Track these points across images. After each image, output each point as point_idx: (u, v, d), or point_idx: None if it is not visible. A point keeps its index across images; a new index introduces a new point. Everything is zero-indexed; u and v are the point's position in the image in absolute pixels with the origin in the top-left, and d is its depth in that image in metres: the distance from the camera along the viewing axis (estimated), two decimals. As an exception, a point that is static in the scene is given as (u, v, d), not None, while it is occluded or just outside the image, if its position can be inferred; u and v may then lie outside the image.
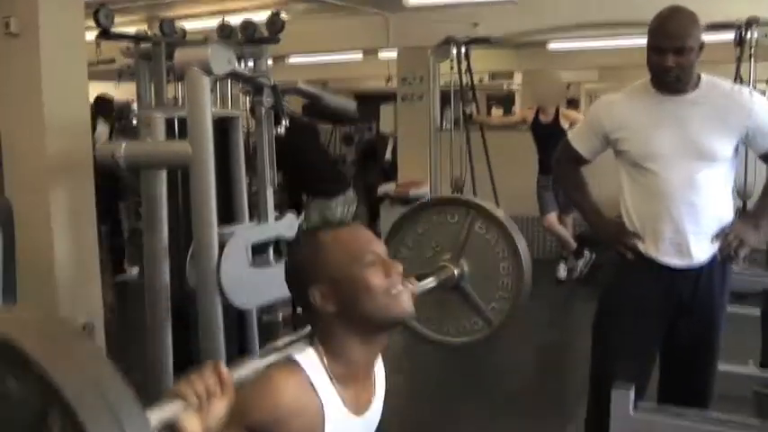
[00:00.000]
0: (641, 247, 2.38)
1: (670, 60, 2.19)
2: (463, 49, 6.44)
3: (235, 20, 3.84)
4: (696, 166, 2.27)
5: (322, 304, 1.37)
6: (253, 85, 3.00)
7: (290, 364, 1.37)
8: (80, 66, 3.66)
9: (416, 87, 7.54)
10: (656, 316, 2.38)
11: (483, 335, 2.13)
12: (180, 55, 2.69)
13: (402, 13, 7.49)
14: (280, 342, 1.51)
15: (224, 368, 1.20)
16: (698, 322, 2.37)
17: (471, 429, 3.42)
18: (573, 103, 10.34)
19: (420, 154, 7.02)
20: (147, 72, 3.60)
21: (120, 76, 6.69)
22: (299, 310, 1.52)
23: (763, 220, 2.41)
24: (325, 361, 1.39)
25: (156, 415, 1.08)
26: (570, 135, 2.57)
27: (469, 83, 6.64)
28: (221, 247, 2.75)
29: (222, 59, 2.59)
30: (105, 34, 4.10)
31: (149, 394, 3.08)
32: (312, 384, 1.36)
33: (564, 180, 2.71)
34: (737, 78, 5.33)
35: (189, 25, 4.29)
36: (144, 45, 3.63)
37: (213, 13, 6.39)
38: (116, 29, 3.62)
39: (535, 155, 5.97)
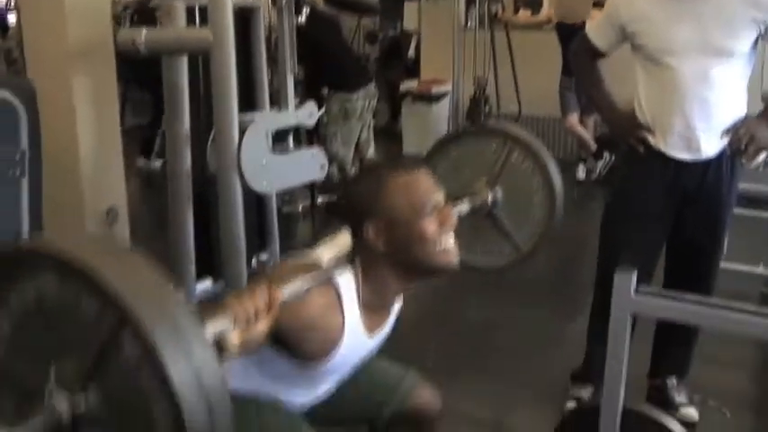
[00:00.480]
0: (651, 140, 2.38)
1: None
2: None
3: None
4: (711, 62, 2.25)
5: (374, 239, 1.44)
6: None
7: (329, 285, 1.44)
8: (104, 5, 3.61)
9: (442, -16, 7.35)
10: (662, 207, 2.41)
11: (511, 260, 2.18)
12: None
13: None
14: (326, 247, 1.59)
15: (276, 291, 1.25)
16: (703, 214, 2.40)
17: (481, 318, 3.52)
18: (599, 5, 10.01)
19: (443, 52, 6.89)
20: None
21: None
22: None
23: None
24: (360, 287, 1.48)
25: (209, 329, 1.13)
26: (588, 27, 2.55)
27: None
28: (242, 133, 2.79)
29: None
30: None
31: (173, 281, 3.25)
32: (341, 304, 1.46)
33: (580, 72, 2.70)
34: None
35: None
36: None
37: None
38: None
39: (559, 55, 5.85)
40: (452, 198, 1.98)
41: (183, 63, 2.98)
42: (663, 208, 2.41)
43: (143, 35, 2.81)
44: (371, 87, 5.10)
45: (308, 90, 5.83)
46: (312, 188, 4.26)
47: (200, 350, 0.94)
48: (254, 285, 1.25)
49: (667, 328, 2.58)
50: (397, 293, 1.56)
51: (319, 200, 5.36)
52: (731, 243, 4.13)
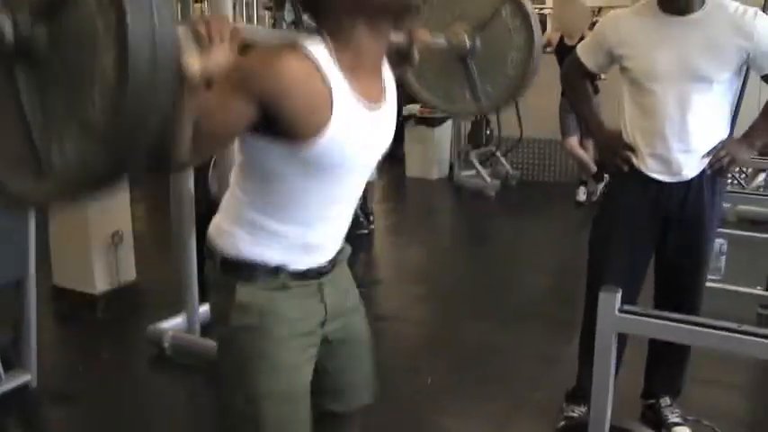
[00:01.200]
0: (634, 160, 2.44)
1: None
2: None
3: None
4: (692, 87, 2.30)
5: None
6: (274, 1, 3.06)
7: (299, 47, 1.36)
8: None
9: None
10: (645, 226, 2.46)
11: (466, 110, 2.19)
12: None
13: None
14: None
15: (238, 25, 1.23)
16: (686, 234, 2.45)
17: (478, 341, 3.55)
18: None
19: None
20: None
21: None
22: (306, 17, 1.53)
23: (758, 140, 2.46)
24: (333, 50, 1.39)
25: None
26: (579, 48, 2.60)
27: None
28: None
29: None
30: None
31: (176, 302, 3.28)
32: (318, 68, 1.35)
33: (570, 92, 2.77)
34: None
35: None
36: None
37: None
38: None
39: (559, 78, 5.91)
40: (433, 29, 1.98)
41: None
42: (646, 227, 2.46)
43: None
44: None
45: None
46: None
47: (164, 12, 0.94)
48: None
49: (659, 348, 2.61)
50: (374, 48, 1.45)
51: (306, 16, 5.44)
52: (729, 264, 4.19)
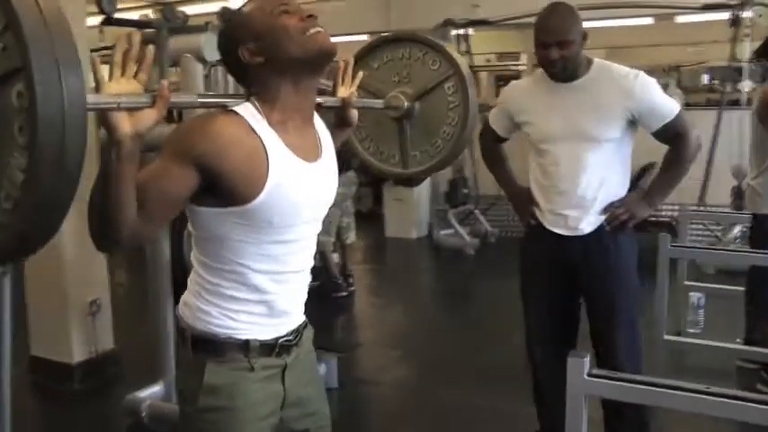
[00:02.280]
0: (539, 215, 2.57)
1: (553, 53, 2.36)
2: (462, 32, 6.50)
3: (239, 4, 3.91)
4: (582, 146, 2.43)
5: (251, 59, 1.48)
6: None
7: (229, 112, 1.45)
8: (81, 54, 3.75)
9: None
10: (555, 279, 2.58)
11: (393, 172, 2.24)
12: (174, 42, 2.82)
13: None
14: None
15: (164, 82, 1.28)
16: (594, 286, 2.55)
17: (464, 401, 3.54)
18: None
19: (422, 136, 7.09)
20: (151, 57, 3.71)
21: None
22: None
23: (657, 197, 2.58)
24: (261, 109, 1.47)
25: (93, 98, 1.15)
26: (490, 115, 2.77)
27: (470, 64, 6.71)
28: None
29: (215, 47, 2.71)
30: (108, 21, 4.24)
31: (155, 370, 3.26)
32: (251, 127, 1.44)
33: (484, 153, 2.90)
34: (732, 58, 5.40)
35: (194, 9, 4.40)
36: (147, 31, 3.74)
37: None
38: (120, 14, 3.71)
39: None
40: (374, 90, 2.10)
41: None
42: (557, 277, 2.57)
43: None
44: (351, 174, 5.23)
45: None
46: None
47: (73, 76, 1.00)
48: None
49: (616, 413, 2.62)
50: (301, 103, 1.52)
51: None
52: (707, 318, 4.24)
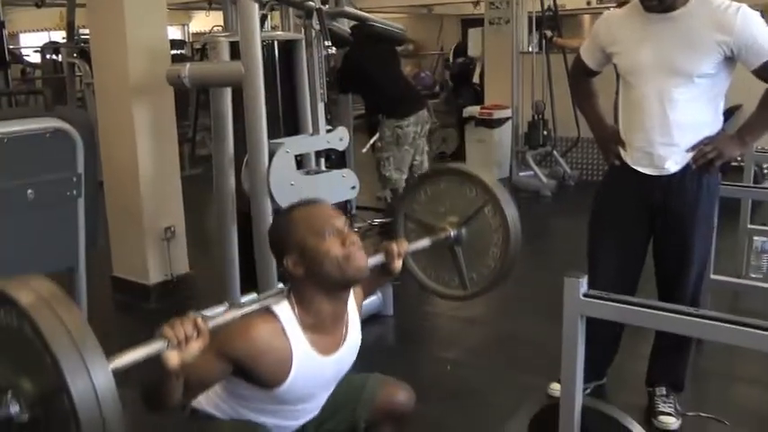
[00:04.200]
0: (622, 153, 2.53)
1: None
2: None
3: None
4: (671, 81, 2.36)
5: (293, 269, 1.73)
6: (301, 10, 3.23)
7: (268, 313, 1.72)
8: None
9: (503, 12, 7.54)
10: (633, 218, 2.54)
11: (456, 295, 2.35)
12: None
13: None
14: (261, 295, 1.86)
15: (200, 321, 1.50)
16: (671, 227, 2.50)
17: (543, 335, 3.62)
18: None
19: (505, 77, 7.06)
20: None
21: (210, 4, 7.12)
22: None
23: (749, 136, 2.47)
24: (297, 313, 1.73)
25: (144, 349, 1.41)
26: (581, 49, 2.71)
27: (552, 6, 6.61)
28: (271, 156, 3.07)
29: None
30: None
31: (223, 285, 3.47)
32: (284, 331, 1.70)
33: (574, 89, 2.87)
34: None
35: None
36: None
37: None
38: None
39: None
40: (422, 223, 2.28)
41: (227, 93, 3.29)
42: (635, 218, 2.54)
43: (186, 70, 3.15)
44: (423, 113, 5.29)
45: (368, 117, 6.16)
46: (345, 209, 4.46)
47: (101, 373, 1.19)
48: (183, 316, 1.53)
49: (660, 338, 2.67)
50: (334, 311, 1.78)
51: (375, 222, 5.64)
52: None
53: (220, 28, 4.73)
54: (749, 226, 3.96)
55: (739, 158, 5.29)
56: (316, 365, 1.76)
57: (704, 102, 2.41)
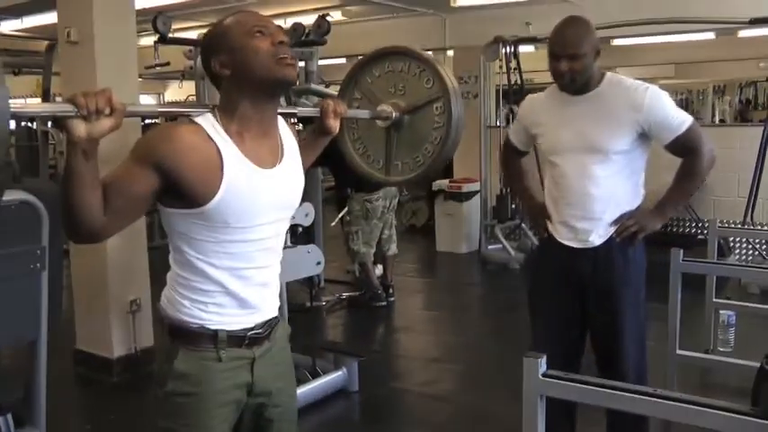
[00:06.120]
0: (550, 227, 2.61)
1: (563, 66, 2.41)
2: (511, 49, 6.57)
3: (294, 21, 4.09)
4: (590, 159, 2.46)
5: (220, 70, 1.64)
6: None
7: (190, 122, 1.61)
8: (131, 70, 4.04)
9: (472, 86, 7.72)
10: (564, 292, 2.60)
11: (375, 176, 2.32)
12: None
13: (457, 13, 7.69)
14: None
15: (117, 99, 1.44)
16: (600, 301, 2.55)
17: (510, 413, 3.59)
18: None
19: (474, 151, 7.18)
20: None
21: (183, 77, 7.21)
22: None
23: (669, 208, 2.59)
24: (220, 120, 1.63)
25: (49, 107, 1.32)
26: (509, 131, 2.86)
27: (519, 81, 6.79)
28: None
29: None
30: (162, 40, 4.53)
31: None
32: (209, 136, 1.59)
33: (505, 168, 2.99)
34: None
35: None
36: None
37: (275, 16, 6.78)
38: (175, 34, 3.97)
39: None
40: (369, 95, 2.24)
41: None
42: (565, 292, 2.60)
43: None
44: (392, 188, 5.37)
45: (335, 189, 6.25)
46: (311, 284, 4.45)
47: None
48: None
49: (614, 419, 2.65)
50: (259, 117, 1.66)
51: (344, 295, 5.66)
52: (737, 337, 4.16)
53: (195, 97, 4.81)
54: (714, 300, 4.01)
55: (705, 233, 5.46)
56: (249, 174, 1.62)
57: (624, 177, 2.50)
